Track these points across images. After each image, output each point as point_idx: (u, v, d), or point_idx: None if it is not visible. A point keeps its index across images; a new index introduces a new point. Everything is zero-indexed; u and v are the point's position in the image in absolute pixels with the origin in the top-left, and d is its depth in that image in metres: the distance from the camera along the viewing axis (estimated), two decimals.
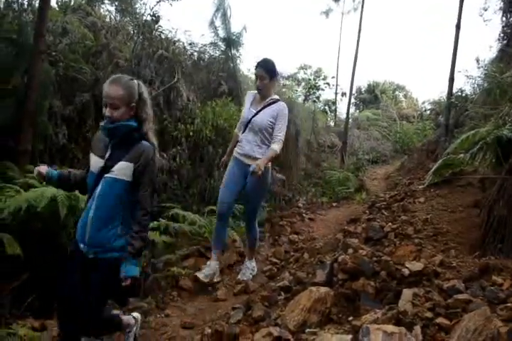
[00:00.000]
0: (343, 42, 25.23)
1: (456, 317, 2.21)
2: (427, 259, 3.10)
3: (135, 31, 7.67)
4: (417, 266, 2.87)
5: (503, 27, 8.50)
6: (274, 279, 3.93)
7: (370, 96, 22.81)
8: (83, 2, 7.95)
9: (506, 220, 3.50)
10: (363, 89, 23.48)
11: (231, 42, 9.16)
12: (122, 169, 2.20)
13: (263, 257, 4.71)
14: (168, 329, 3.15)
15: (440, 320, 2.21)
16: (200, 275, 3.84)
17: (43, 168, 2.38)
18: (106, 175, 2.21)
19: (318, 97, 13.85)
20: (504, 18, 8.49)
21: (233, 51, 9.28)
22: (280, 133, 3.67)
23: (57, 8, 7.30)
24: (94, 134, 2.47)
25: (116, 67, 6.37)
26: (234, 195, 3.90)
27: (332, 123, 17.61)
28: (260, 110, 3.75)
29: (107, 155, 2.26)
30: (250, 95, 3.93)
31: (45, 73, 5.02)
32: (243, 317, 2.98)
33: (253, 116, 3.74)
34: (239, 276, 4.11)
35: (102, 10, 8.73)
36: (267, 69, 3.69)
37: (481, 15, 9.26)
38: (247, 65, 12.72)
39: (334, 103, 18.19)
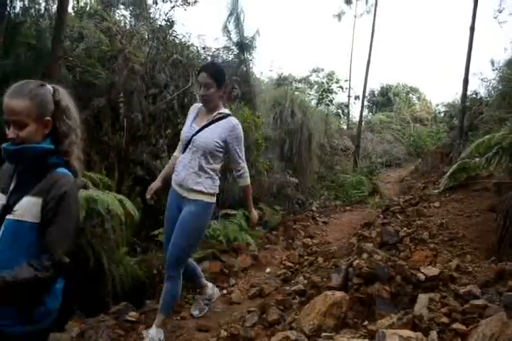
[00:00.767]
0: (356, 44, 25.22)
1: (472, 322, 2.20)
2: (442, 264, 3.10)
3: (150, 36, 7.76)
4: (432, 271, 2.86)
5: None
6: (288, 283, 3.94)
7: (383, 99, 22.78)
8: (99, 7, 8.08)
9: None
10: (376, 92, 23.47)
11: (244, 46, 9.21)
12: (27, 207, 1.56)
13: (277, 261, 4.74)
14: (183, 331, 3.18)
15: (456, 325, 2.20)
16: None
17: None
18: (7, 217, 1.57)
19: (331, 100, 13.86)
20: None
21: (246, 55, 9.35)
22: (243, 164, 2.90)
23: (73, 14, 7.44)
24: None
25: (131, 71, 6.46)
26: None
27: (345, 127, 17.59)
28: (205, 126, 2.83)
29: (11, 188, 1.64)
30: (195, 108, 3.03)
31: (63, 78, 5.11)
32: (258, 321, 3.01)
33: (194, 135, 2.83)
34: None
35: (116, 15, 8.88)
36: (213, 74, 2.78)
37: (496, 17, 9.21)
38: (260, 69, 12.78)
39: (347, 106, 18.19)
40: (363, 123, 14.52)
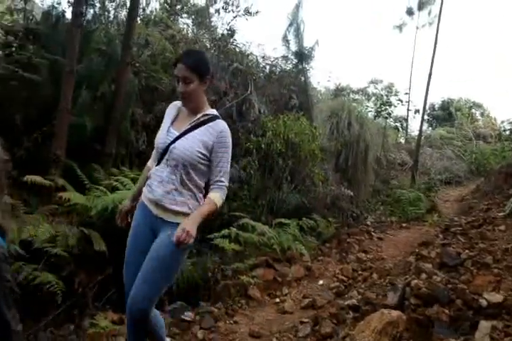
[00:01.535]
0: (417, 56, 24.54)
1: None
2: (506, 291, 2.97)
3: (211, 44, 8.02)
4: (496, 297, 2.77)
5: None
6: (341, 297, 3.92)
7: (444, 114, 22.00)
8: (164, 15, 8.45)
9: None
10: (437, 106, 22.71)
11: (303, 56, 9.27)
12: None
13: (330, 273, 4.72)
14: (236, 336, 3.26)
15: None
16: None
17: None
18: None
19: (389, 113, 13.59)
20: None
21: (304, 65, 9.40)
22: (223, 175, 2.21)
23: (139, 22, 7.85)
24: None
25: None
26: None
27: (403, 141, 17.14)
28: (185, 132, 2.20)
29: None
30: (173, 107, 2.36)
31: (130, 83, 5.37)
32: (311, 332, 3.03)
33: (172, 142, 2.19)
34: None
35: (180, 23, 9.26)
36: (191, 65, 2.13)
37: None
38: (317, 79, 12.77)
39: (406, 119, 17.73)
40: (422, 137, 14.09)
